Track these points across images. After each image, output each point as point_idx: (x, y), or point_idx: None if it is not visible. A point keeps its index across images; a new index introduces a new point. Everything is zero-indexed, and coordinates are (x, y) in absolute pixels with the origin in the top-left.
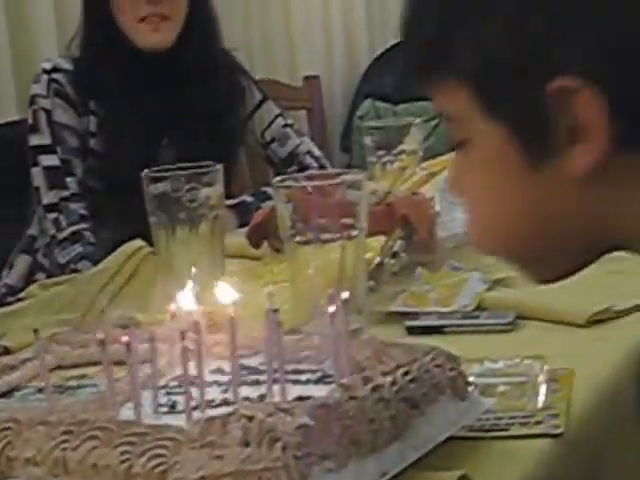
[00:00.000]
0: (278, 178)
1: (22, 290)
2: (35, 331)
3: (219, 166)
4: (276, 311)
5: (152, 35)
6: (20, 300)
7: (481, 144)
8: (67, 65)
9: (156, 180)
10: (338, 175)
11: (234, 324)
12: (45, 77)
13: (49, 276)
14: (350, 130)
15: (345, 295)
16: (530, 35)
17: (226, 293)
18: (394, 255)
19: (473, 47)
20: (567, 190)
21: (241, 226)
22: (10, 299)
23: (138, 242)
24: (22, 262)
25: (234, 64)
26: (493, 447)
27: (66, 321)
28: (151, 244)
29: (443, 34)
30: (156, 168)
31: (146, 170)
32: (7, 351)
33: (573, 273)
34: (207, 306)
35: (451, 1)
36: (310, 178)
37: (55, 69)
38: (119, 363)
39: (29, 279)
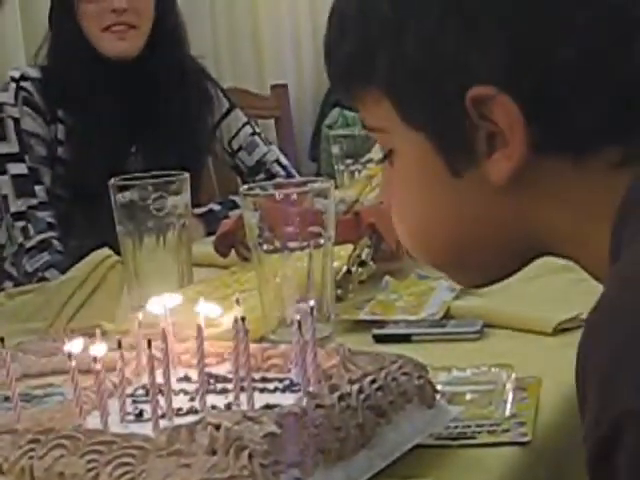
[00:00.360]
0: (246, 186)
1: None
2: (1, 339)
3: (186, 175)
4: (243, 319)
5: (118, 44)
6: None
7: (404, 153)
8: (35, 73)
9: (123, 189)
10: (306, 183)
11: (201, 332)
12: (13, 85)
13: (16, 284)
14: (318, 139)
15: (312, 303)
16: (444, 45)
17: (193, 302)
18: (362, 264)
19: (391, 57)
20: (489, 196)
21: (209, 234)
22: None
23: (105, 251)
24: None
25: (202, 72)
26: (460, 455)
27: (33, 330)
28: (118, 253)
29: (364, 45)
30: (123, 176)
31: (113, 179)
32: None
33: (503, 278)
34: (174, 314)
35: (372, 14)
36: (278, 186)
37: (23, 77)
38: (86, 372)
39: None
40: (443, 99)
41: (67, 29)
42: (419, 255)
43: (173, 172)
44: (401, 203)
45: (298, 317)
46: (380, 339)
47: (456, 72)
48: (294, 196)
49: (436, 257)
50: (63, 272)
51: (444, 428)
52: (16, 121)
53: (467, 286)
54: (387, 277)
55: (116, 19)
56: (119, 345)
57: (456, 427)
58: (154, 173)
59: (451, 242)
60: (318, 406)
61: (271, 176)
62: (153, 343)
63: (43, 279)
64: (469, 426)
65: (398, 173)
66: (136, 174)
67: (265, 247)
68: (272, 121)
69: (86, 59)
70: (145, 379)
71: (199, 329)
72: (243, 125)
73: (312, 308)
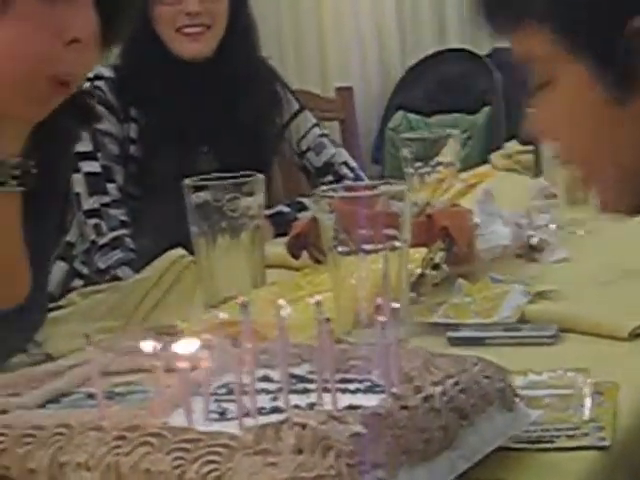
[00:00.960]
0: (321, 188)
1: (59, 297)
2: (87, 336)
3: (260, 176)
4: (328, 320)
5: (191, 45)
6: (59, 307)
7: (565, 83)
8: (108, 73)
9: (197, 189)
10: (380, 186)
11: (284, 332)
12: (87, 84)
13: (87, 282)
14: (382, 142)
15: (395, 305)
16: None
17: (273, 302)
18: (435, 267)
19: None
20: None
21: (277, 236)
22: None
23: (179, 251)
24: (59, 269)
25: (272, 73)
26: (539, 459)
27: (106, 329)
28: (189, 251)
29: None
30: (197, 177)
31: (187, 179)
32: (49, 358)
33: None
34: (254, 315)
35: None
36: (351, 189)
37: (97, 77)
38: (167, 370)
39: (66, 286)
40: (606, 28)
41: (142, 30)
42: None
43: (247, 173)
44: (561, 131)
45: (381, 318)
46: (455, 342)
47: (619, 1)
48: (370, 199)
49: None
50: (135, 270)
51: (523, 431)
52: None
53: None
54: (460, 280)
55: (189, 21)
56: (201, 344)
57: (535, 431)
58: (228, 174)
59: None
60: (403, 407)
61: (339, 178)
62: (234, 342)
63: (115, 276)
64: (547, 430)
65: (557, 103)
66: (209, 174)
67: (340, 249)
68: (336, 123)
69: (159, 60)
70: (224, 378)
71: (282, 329)
72: (312, 126)
73: (395, 310)
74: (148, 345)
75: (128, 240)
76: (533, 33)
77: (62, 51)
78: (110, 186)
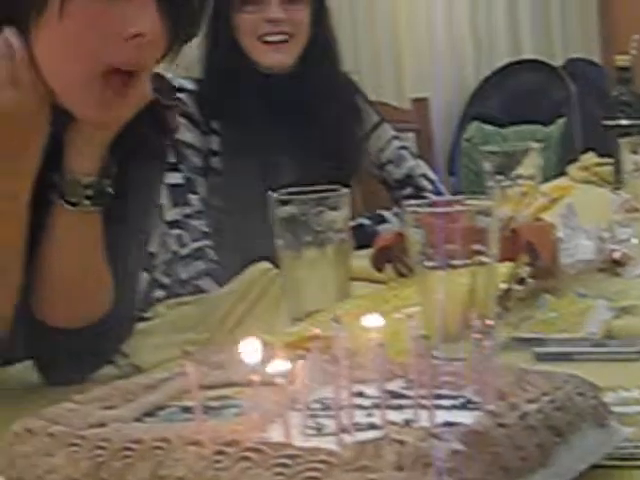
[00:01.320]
0: (408, 202)
1: (142, 307)
2: (183, 350)
3: (346, 190)
4: (425, 337)
5: (274, 55)
6: (145, 319)
7: None
8: (190, 85)
9: (283, 202)
10: (466, 201)
11: (381, 348)
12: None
13: (168, 293)
14: (457, 153)
15: (490, 321)
16: None
17: (367, 317)
18: (521, 281)
19: None
20: None
21: (356, 249)
22: None
23: (265, 264)
24: (141, 279)
25: (352, 85)
26: (632, 476)
27: (192, 342)
28: (272, 264)
29: None
30: (282, 191)
31: (273, 193)
32: (137, 369)
33: None
34: (347, 330)
35: None
36: (438, 204)
37: (179, 89)
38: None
39: (148, 296)
40: None
41: (223, 41)
42: None
43: (332, 187)
44: None
45: (477, 335)
46: (541, 357)
47: None
48: (457, 213)
49: None
50: (217, 281)
51: (616, 449)
52: None
53: None
54: (546, 295)
55: (271, 29)
56: (295, 359)
57: (627, 447)
58: (312, 188)
59: None
60: (500, 425)
61: (419, 190)
62: (325, 357)
63: (197, 287)
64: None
65: None
66: (292, 187)
67: (428, 264)
68: (412, 135)
69: (241, 71)
70: (318, 393)
71: (380, 344)
72: (391, 138)
73: (492, 326)
74: (244, 359)
75: (210, 251)
76: None
77: (122, 46)
78: (192, 197)
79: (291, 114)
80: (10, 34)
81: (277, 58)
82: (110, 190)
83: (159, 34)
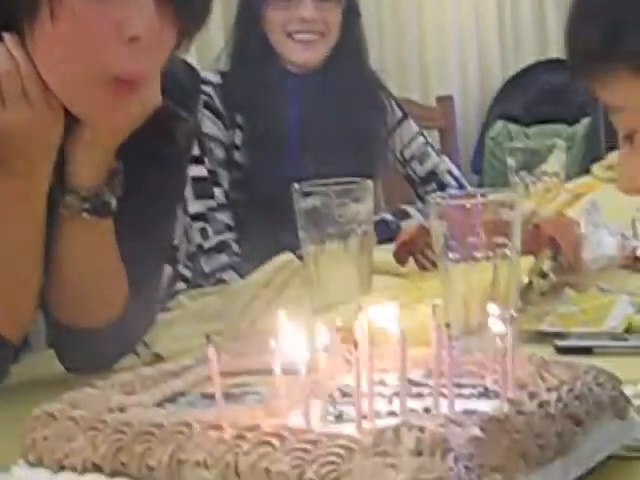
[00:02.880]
0: (432, 196)
1: (164, 300)
2: (207, 337)
3: (369, 182)
4: (448, 326)
5: (304, 53)
6: (167, 310)
7: None
8: (215, 78)
9: (306, 194)
10: (490, 194)
11: (403, 338)
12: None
13: (190, 286)
14: (481, 151)
15: (511, 312)
16: None
17: (390, 308)
18: (543, 275)
19: None
20: None
21: (379, 243)
22: None
23: (288, 255)
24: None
25: (377, 82)
26: None
27: (214, 332)
28: (295, 257)
29: (612, 22)
30: (306, 183)
31: (296, 185)
32: (158, 358)
33: None
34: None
35: None
36: (460, 197)
37: (204, 82)
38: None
39: (170, 289)
40: None
41: (252, 35)
42: None
43: (356, 179)
44: None
45: (497, 325)
46: (562, 351)
47: None
48: (480, 206)
49: None
50: (240, 274)
51: (635, 440)
52: None
53: None
54: (567, 289)
55: (303, 27)
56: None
57: None
58: (337, 180)
59: None
60: (519, 412)
61: (443, 186)
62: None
63: (220, 280)
64: None
65: None
66: (317, 180)
67: (451, 256)
68: (436, 132)
69: (269, 66)
70: (340, 381)
71: (402, 334)
72: (416, 135)
73: (512, 317)
74: (264, 347)
75: (234, 244)
76: (623, 79)
77: (121, 50)
78: (216, 190)
79: (315, 110)
80: (12, 46)
81: (306, 56)
82: (113, 200)
83: (156, 36)
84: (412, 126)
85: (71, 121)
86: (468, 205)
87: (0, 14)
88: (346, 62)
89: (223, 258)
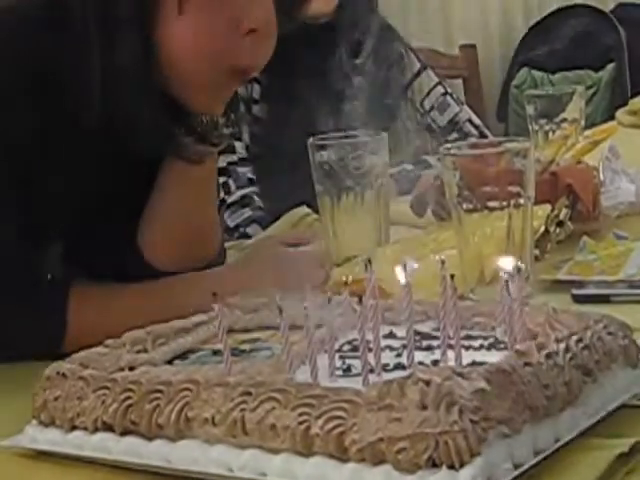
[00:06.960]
0: (446, 146)
1: None
2: (214, 294)
3: (384, 134)
4: (452, 277)
5: (313, 3)
6: None
7: None
8: None
9: (321, 148)
10: (504, 143)
11: (409, 289)
12: None
13: None
14: (506, 99)
15: (519, 263)
16: None
17: (397, 260)
18: (560, 224)
19: None
20: None
21: (400, 194)
22: None
23: (304, 209)
24: None
25: (392, 32)
26: None
27: None
28: (316, 211)
29: None
30: (321, 136)
31: (311, 138)
32: None
33: None
34: (378, 272)
35: None
36: (475, 146)
37: None
38: (291, 327)
39: None
40: None
41: None
42: None
43: (371, 132)
44: None
45: (505, 276)
46: (579, 299)
47: None
48: (494, 156)
49: None
50: (264, 228)
51: None
52: None
53: None
54: (585, 238)
55: None
56: (327, 301)
57: None
58: (352, 132)
59: None
60: (526, 364)
61: (464, 136)
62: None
63: (245, 235)
64: None
65: None
66: (334, 134)
67: (464, 206)
68: (460, 81)
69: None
70: (349, 335)
71: (407, 286)
72: (435, 85)
73: (519, 267)
74: (274, 302)
75: (257, 198)
76: None
77: (240, 42)
78: (237, 144)
79: (330, 62)
80: None
81: (316, 7)
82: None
83: (273, 26)
84: (431, 76)
85: None
86: (481, 155)
87: (126, 5)
88: (355, 11)
89: (247, 212)
